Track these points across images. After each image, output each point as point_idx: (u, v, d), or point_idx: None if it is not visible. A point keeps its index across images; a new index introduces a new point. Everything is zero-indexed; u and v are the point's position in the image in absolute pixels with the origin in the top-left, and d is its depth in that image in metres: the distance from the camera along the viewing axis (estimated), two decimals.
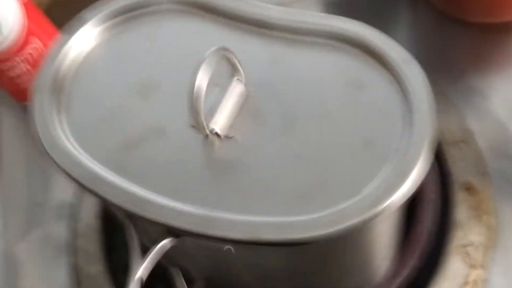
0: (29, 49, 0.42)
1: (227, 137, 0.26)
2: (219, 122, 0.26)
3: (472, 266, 0.39)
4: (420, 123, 0.25)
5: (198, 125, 0.25)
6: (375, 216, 0.24)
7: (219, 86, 0.26)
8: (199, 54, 0.25)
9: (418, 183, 0.24)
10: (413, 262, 0.39)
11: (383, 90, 0.27)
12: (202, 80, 0.24)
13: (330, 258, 0.29)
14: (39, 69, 0.29)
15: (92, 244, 0.43)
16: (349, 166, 0.25)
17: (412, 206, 0.40)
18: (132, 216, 0.26)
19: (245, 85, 0.27)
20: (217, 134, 0.26)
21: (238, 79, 0.26)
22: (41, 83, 0.29)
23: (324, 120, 0.26)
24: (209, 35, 0.29)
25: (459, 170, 0.42)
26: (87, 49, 0.30)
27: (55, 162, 0.26)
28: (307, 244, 0.24)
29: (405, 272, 0.38)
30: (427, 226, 0.39)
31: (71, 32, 0.30)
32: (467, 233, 0.40)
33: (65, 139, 0.27)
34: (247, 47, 0.28)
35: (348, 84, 0.27)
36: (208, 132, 0.26)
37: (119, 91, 0.28)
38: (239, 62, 0.26)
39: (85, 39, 0.30)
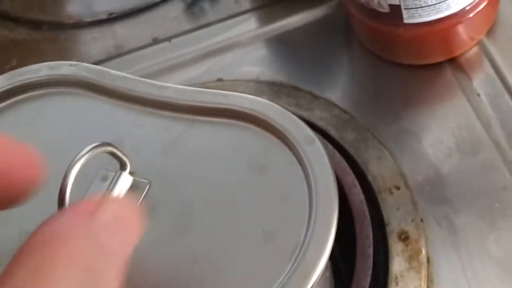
0: None
1: None
2: None
3: None
4: (323, 215, 0.22)
5: None
6: None
7: (107, 179, 0.23)
8: (82, 145, 0.21)
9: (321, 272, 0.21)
10: None
11: (286, 173, 0.24)
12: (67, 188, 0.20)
13: None
14: None
15: None
16: (250, 266, 0.22)
17: (350, 257, 0.38)
18: None
19: (135, 177, 0.23)
20: None
21: (126, 172, 0.23)
22: None
23: (224, 213, 0.23)
24: (96, 120, 0.25)
25: (394, 219, 0.39)
26: None
27: None
28: None
29: None
30: (364, 284, 0.36)
31: None
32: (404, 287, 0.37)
33: None
34: (140, 131, 0.25)
35: (250, 168, 0.24)
36: None
37: None
38: (124, 154, 0.22)
39: None
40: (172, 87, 0.25)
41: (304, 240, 0.21)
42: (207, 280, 0.22)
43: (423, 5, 0.37)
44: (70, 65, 0.26)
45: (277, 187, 0.23)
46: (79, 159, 0.20)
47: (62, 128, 0.26)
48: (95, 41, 0.52)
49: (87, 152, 0.20)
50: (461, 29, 0.40)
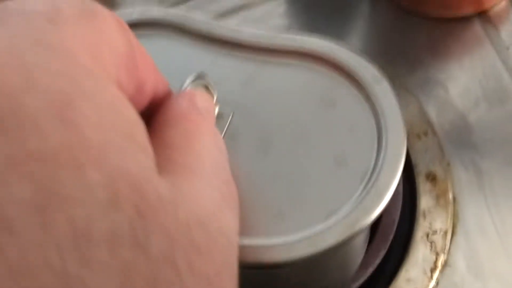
0: None
1: None
2: None
3: (437, 252, 0.39)
4: (393, 143, 0.24)
5: None
6: (351, 236, 0.23)
7: None
8: (170, 79, 0.24)
9: (390, 198, 0.24)
10: (382, 252, 0.39)
11: (355, 109, 0.26)
12: None
13: (307, 270, 0.29)
14: None
15: None
16: (325, 185, 0.24)
17: None
18: None
19: (219, 107, 0.26)
20: None
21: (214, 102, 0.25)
22: None
23: (298, 140, 0.26)
24: (180, 59, 0.28)
25: (422, 162, 0.42)
26: None
27: None
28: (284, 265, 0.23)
29: (376, 262, 0.38)
30: (395, 217, 0.40)
31: None
32: (432, 222, 0.40)
33: None
34: (220, 69, 0.27)
35: (320, 103, 0.26)
36: None
37: None
38: (212, 85, 0.25)
39: None
40: (247, 31, 0.28)
41: (375, 164, 0.24)
42: (284, 197, 0.24)
43: None
44: (158, 10, 0.28)
45: (346, 119, 0.26)
46: (186, 87, 0.23)
47: None
48: None
49: (190, 83, 0.23)
50: None
